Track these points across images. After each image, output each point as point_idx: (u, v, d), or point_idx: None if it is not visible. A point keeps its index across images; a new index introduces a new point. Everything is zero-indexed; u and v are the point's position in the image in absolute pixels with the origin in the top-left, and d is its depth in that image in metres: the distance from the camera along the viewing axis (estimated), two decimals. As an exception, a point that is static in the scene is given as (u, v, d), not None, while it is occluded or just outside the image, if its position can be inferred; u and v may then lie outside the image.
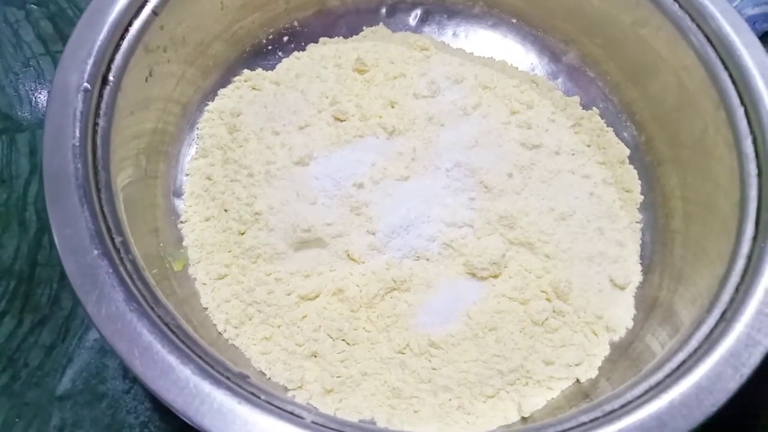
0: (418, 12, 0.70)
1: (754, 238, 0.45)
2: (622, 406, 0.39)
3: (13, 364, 0.54)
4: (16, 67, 0.68)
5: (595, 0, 0.62)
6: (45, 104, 0.66)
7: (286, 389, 0.48)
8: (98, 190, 0.43)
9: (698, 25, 0.54)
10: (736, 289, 0.43)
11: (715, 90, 0.52)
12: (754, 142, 0.49)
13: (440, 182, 0.57)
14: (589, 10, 0.63)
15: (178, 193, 0.57)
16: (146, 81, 0.52)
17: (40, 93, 0.67)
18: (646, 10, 0.57)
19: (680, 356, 0.41)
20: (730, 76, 0.51)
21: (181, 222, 0.56)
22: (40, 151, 0.63)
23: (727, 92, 0.51)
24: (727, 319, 0.42)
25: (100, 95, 0.46)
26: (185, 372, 0.36)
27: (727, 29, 0.52)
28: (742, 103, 0.50)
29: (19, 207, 0.60)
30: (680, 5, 0.55)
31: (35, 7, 0.71)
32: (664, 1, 0.56)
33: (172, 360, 0.37)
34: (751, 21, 0.69)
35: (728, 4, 0.54)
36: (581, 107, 0.65)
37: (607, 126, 0.64)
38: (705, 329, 0.42)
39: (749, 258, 0.44)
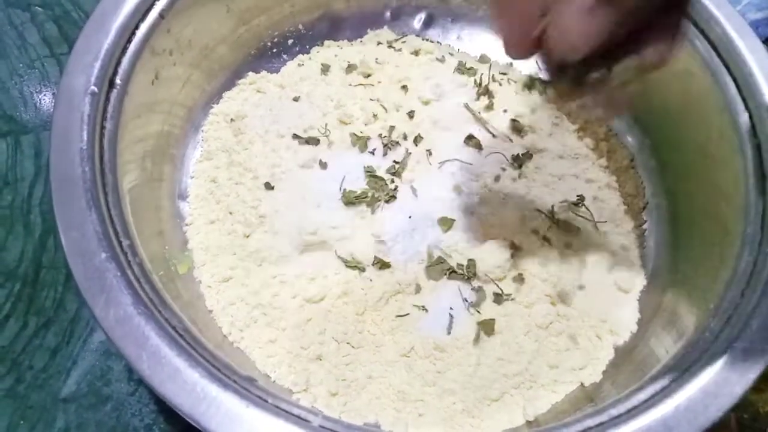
0: (422, 15, 0.70)
1: (759, 243, 0.45)
2: (628, 411, 0.39)
3: (17, 366, 0.54)
4: (20, 69, 0.68)
5: (599, 4, 0.62)
6: (50, 106, 0.66)
7: (291, 392, 0.48)
8: (105, 194, 0.43)
9: (702, 30, 0.54)
10: (742, 294, 0.44)
11: (720, 95, 0.52)
12: (758, 147, 0.49)
13: (445, 185, 0.57)
14: (594, 15, 0.63)
15: (183, 196, 0.57)
16: (152, 84, 0.52)
17: (44, 95, 0.67)
18: (650, 14, 0.57)
19: (686, 361, 0.41)
20: (735, 80, 0.52)
21: (186, 225, 0.56)
22: (45, 154, 0.63)
23: (732, 97, 0.52)
24: (732, 323, 0.42)
25: (107, 98, 0.46)
26: (193, 375, 0.37)
27: (732, 34, 0.53)
28: (747, 108, 0.50)
29: (23, 209, 0.60)
30: (684, 10, 0.55)
31: (40, 9, 0.72)
32: (669, 6, 0.56)
33: (180, 363, 0.37)
34: (755, 25, 0.69)
35: (732, 9, 0.54)
36: (585, 111, 0.65)
37: (611, 130, 0.64)
38: (710, 334, 0.42)
39: (754, 263, 0.44)
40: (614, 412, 0.39)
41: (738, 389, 0.39)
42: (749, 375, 0.39)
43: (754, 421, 0.52)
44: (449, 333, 0.51)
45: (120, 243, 0.41)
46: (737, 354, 0.40)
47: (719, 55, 0.53)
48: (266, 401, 0.37)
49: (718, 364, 0.40)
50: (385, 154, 0.58)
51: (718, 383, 0.39)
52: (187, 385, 0.36)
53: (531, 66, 0.68)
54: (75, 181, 0.42)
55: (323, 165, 0.57)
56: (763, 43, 0.53)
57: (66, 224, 0.40)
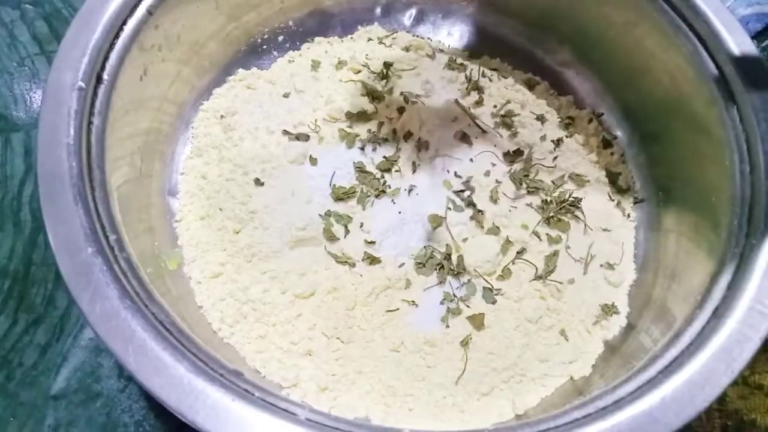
0: (412, 11, 0.70)
1: (747, 236, 0.45)
2: (615, 402, 0.39)
3: (7, 363, 0.54)
4: (10, 67, 0.68)
5: (588, 0, 0.62)
6: (40, 104, 0.66)
7: (281, 387, 0.48)
8: (92, 189, 0.43)
9: (691, 25, 0.54)
10: (728, 286, 0.44)
11: (708, 89, 0.52)
12: (747, 140, 0.49)
13: (434, 181, 0.57)
14: (583, 11, 0.63)
15: (173, 192, 0.57)
16: (141, 80, 0.52)
17: (35, 93, 0.67)
18: (639, 9, 0.57)
19: (672, 352, 0.41)
20: (723, 75, 0.52)
21: (176, 221, 0.56)
22: (35, 151, 0.63)
23: (719, 91, 0.51)
24: (719, 315, 0.42)
25: (95, 94, 0.46)
26: (179, 369, 0.36)
27: (720, 29, 0.53)
28: (735, 102, 0.50)
29: (14, 207, 0.60)
30: (673, 5, 0.55)
31: (30, 7, 0.71)
32: (658, 1, 0.56)
33: (166, 357, 0.37)
34: (744, 21, 0.69)
35: (721, 4, 0.54)
36: (575, 106, 0.65)
37: (601, 125, 0.64)
38: (697, 326, 0.43)
39: (741, 255, 0.45)
40: (601, 403, 0.39)
41: (724, 380, 0.39)
42: (735, 366, 0.39)
43: (738, 429, 0.52)
44: (439, 328, 0.51)
45: (107, 238, 0.41)
46: (723, 345, 0.40)
47: (707, 50, 0.53)
48: (253, 394, 0.37)
49: (705, 356, 0.40)
50: (374, 150, 0.58)
51: (704, 375, 0.39)
52: (173, 379, 0.36)
53: (522, 61, 0.68)
54: (62, 176, 0.42)
55: (313, 161, 0.57)
56: (752, 38, 0.53)
57: (53, 219, 0.40)
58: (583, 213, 0.57)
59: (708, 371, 0.39)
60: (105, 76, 0.47)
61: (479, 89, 0.63)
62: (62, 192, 0.41)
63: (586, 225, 0.57)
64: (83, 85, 0.45)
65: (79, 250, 0.39)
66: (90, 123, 0.45)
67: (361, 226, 0.55)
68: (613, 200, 0.60)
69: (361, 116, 0.60)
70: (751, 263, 0.43)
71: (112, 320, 0.37)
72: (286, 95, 0.61)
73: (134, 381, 0.53)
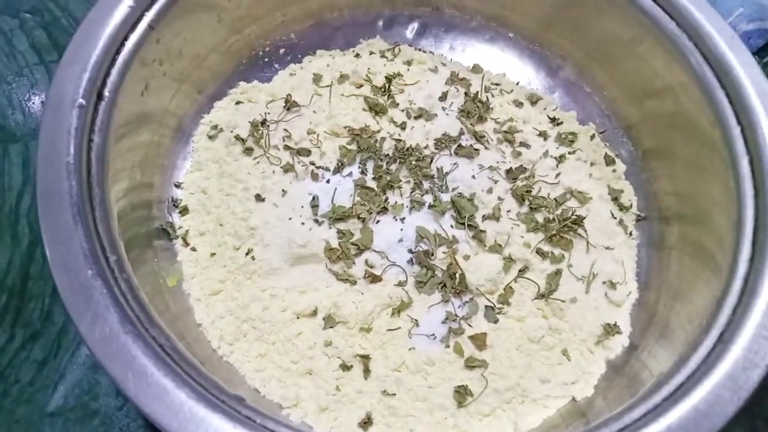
0: (415, 25, 0.70)
1: (751, 259, 0.45)
2: (620, 430, 0.39)
3: (3, 379, 0.53)
4: (9, 77, 0.67)
5: (592, 16, 0.62)
6: (39, 115, 0.65)
7: (281, 407, 0.48)
8: (92, 208, 0.42)
9: (695, 44, 0.54)
10: (734, 311, 0.43)
11: (712, 109, 0.52)
12: (751, 162, 0.49)
13: (436, 198, 0.56)
14: (587, 26, 0.63)
15: (172, 207, 0.57)
16: (142, 95, 0.52)
17: (33, 103, 0.66)
18: (643, 27, 0.57)
19: (678, 378, 0.41)
20: (727, 95, 0.52)
21: (176, 236, 0.55)
22: (33, 163, 0.62)
23: (724, 111, 0.51)
24: (724, 340, 0.42)
25: (95, 111, 0.46)
26: (180, 396, 0.36)
27: (724, 48, 0.53)
28: (739, 122, 0.50)
29: (11, 219, 0.59)
30: (677, 23, 0.55)
31: (29, 16, 0.71)
32: (661, 19, 0.56)
33: (167, 383, 0.36)
34: (746, 37, 0.69)
35: (724, 23, 0.54)
36: (578, 122, 0.65)
37: (604, 141, 0.64)
38: (703, 351, 0.42)
39: (746, 279, 0.44)
40: (606, 431, 0.39)
41: (731, 408, 0.38)
42: (741, 394, 0.39)
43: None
44: (440, 347, 0.51)
45: (107, 259, 0.41)
46: (729, 372, 0.40)
47: (712, 69, 0.53)
48: (254, 421, 0.37)
49: (711, 383, 0.39)
50: (376, 165, 0.58)
51: (710, 402, 0.39)
52: (174, 406, 0.36)
53: (524, 77, 0.68)
54: (61, 195, 0.41)
55: (314, 176, 0.57)
56: (754, 54, 0.53)
57: (52, 239, 0.40)
58: (585, 231, 0.57)
59: (714, 399, 0.39)
60: (106, 93, 0.47)
61: (482, 104, 0.62)
62: (62, 211, 0.41)
63: (588, 243, 0.57)
64: (84, 102, 0.44)
65: (78, 271, 0.39)
66: (90, 140, 0.45)
67: (362, 243, 0.54)
68: (615, 218, 0.59)
69: (363, 131, 0.59)
70: (757, 287, 0.43)
71: (112, 344, 0.37)
72: (287, 109, 0.61)
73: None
